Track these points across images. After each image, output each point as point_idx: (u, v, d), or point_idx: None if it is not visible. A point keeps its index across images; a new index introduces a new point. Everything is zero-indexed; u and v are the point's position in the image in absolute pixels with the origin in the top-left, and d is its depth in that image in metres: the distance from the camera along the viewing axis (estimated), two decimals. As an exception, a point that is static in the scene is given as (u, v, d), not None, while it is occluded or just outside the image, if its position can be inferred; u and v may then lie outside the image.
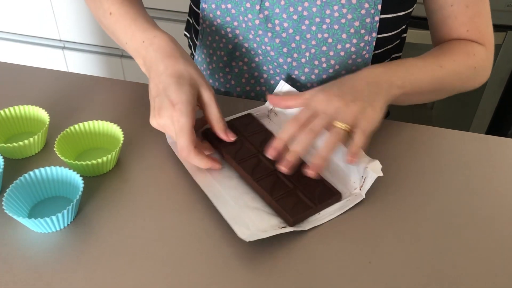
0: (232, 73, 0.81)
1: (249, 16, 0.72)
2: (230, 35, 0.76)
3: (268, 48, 0.75)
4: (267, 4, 0.71)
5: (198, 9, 0.77)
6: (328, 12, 0.69)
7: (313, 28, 0.71)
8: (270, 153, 0.59)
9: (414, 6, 0.74)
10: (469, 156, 0.67)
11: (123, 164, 0.65)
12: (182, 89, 0.58)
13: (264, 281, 0.52)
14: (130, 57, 1.86)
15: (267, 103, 0.71)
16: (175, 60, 0.61)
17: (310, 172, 0.57)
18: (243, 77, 0.81)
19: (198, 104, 0.62)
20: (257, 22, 0.73)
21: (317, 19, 0.70)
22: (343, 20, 0.70)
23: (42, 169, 0.59)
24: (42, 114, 0.67)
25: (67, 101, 0.76)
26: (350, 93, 0.60)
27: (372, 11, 0.69)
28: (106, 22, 0.71)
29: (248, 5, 0.72)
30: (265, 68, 0.79)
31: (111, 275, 0.52)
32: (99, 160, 0.60)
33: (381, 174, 0.58)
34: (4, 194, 0.55)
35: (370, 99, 0.61)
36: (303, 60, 0.75)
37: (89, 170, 0.61)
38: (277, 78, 0.79)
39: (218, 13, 0.75)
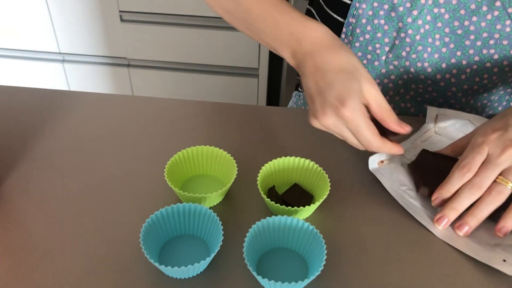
0: None
1: (409, 31, 0.66)
2: (378, 51, 0.70)
3: (426, 64, 0.69)
4: (428, 18, 0.65)
5: (343, 18, 0.70)
6: (498, 27, 0.64)
7: (478, 43, 0.66)
8: (436, 203, 0.55)
9: None
10: None
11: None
12: (347, 85, 0.51)
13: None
14: (138, 67, 1.78)
15: (425, 124, 0.68)
16: (336, 52, 0.54)
17: (458, 232, 0.54)
18: (387, 95, 0.75)
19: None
20: (417, 37, 0.66)
21: (485, 34, 0.65)
22: None
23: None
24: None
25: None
26: None
27: None
28: (236, 8, 0.63)
29: (409, 20, 0.65)
30: (413, 86, 0.73)
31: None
32: None
33: None
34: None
35: None
36: (462, 76, 0.69)
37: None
38: (426, 96, 0.74)
39: (368, 28, 0.68)
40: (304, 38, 0.55)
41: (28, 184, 0.58)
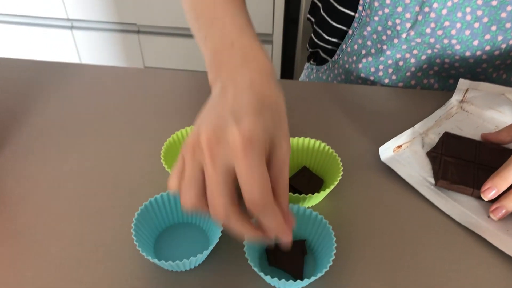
0: (395, 66, 0.69)
1: (434, 5, 0.59)
2: (398, 27, 0.64)
3: (454, 41, 0.62)
4: None
5: None
6: None
7: None
8: (491, 195, 0.49)
9: None
10: None
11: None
12: (262, 118, 0.37)
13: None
14: (148, 33, 1.72)
15: (450, 99, 0.62)
16: (269, 81, 0.41)
17: (492, 216, 0.48)
18: (408, 71, 0.69)
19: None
20: (444, 12, 0.60)
21: None
22: None
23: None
24: None
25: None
26: None
27: None
28: None
29: None
30: (438, 61, 0.67)
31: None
32: None
33: None
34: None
35: None
36: (496, 52, 0.63)
37: None
38: (452, 72, 0.67)
39: (388, 1, 0.62)
40: (244, 56, 0.43)
41: (15, 165, 0.54)
